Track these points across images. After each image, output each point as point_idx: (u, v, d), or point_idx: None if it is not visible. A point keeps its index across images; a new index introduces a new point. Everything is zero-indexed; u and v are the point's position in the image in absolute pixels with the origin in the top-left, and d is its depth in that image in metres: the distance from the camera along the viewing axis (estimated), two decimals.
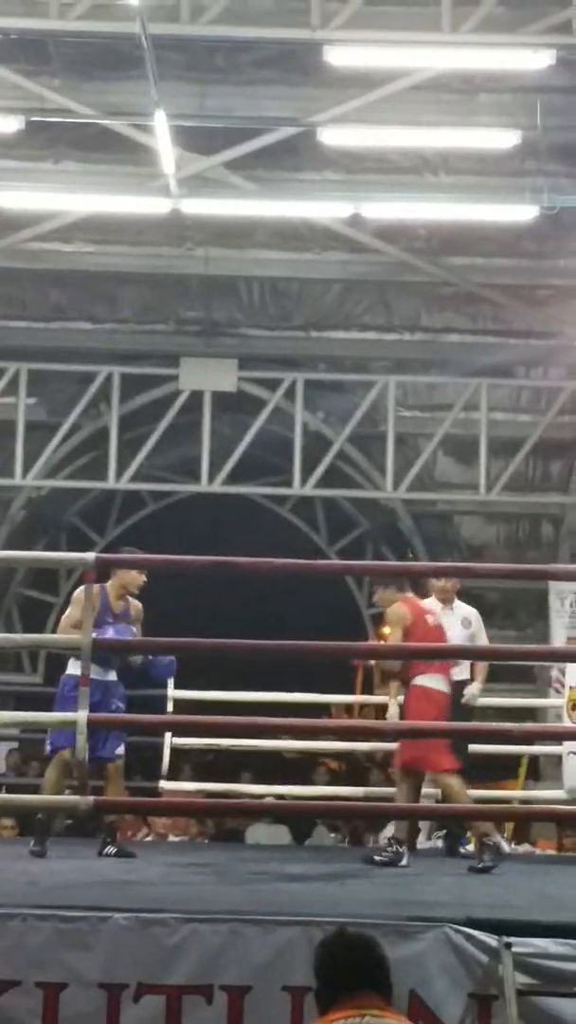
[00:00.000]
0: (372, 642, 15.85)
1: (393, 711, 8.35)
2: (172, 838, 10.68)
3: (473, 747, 8.74)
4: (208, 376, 14.38)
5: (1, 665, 15.35)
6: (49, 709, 7.82)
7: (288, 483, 14.63)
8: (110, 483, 14.51)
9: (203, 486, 14.43)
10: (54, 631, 10.58)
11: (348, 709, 15.32)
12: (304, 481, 14.34)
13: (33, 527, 15.53)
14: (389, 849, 7.80)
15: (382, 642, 8.06)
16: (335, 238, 13.47)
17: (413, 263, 13.47)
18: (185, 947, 5.14)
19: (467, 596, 9.29)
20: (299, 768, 13.81)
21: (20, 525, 15.22)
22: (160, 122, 10.95)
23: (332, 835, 11.58)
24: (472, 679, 8.81)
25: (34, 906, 5.28)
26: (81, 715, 6.32)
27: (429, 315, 14.37)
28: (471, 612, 8.94)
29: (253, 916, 5.26)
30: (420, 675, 7.87)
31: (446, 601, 8.79)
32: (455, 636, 8.60)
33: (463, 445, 14.54)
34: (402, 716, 8.05)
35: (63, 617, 7.76)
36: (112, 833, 7.99)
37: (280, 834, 11.24)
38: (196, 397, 14.37)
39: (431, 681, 7.88)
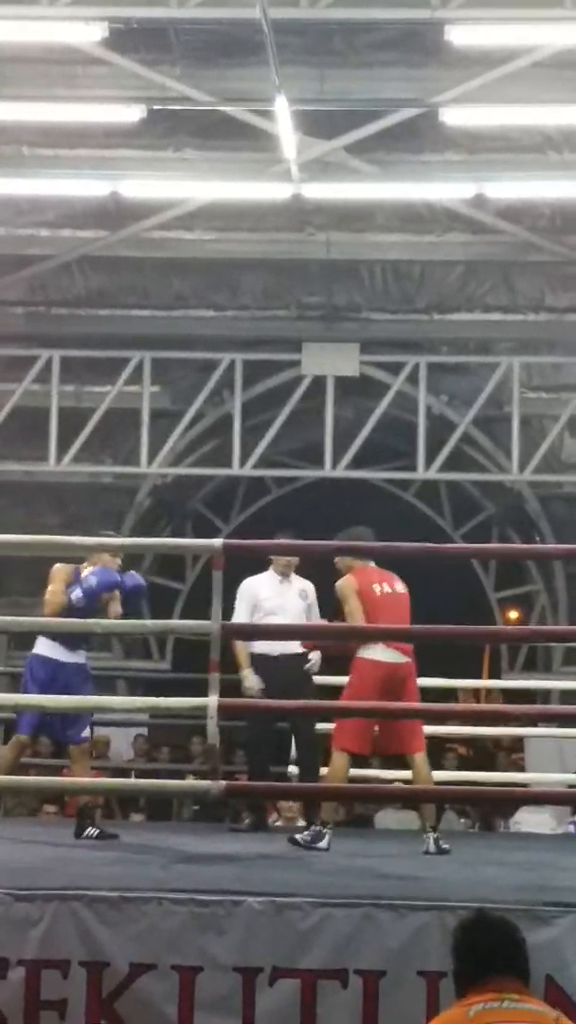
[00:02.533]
0: (500, 626, 15.77)
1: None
2: (301, 823, 10.68)
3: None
4: (330, 361, 14.37)
5: (130, 651, 15.49)
6: (178, 694, 7.84)
7: (412, 467, 14.57)
8: (234, 470, 14.56)
9: (326, 471, 14.43)
10: (182, 617, 10.72)
11: (475, 693, 15.25)
12: (428, 465, 14.27)
13: (158, 515, 15.66)
14: (313, 828, 7.45)
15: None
16: (457, 219, 13.37)
17: (537, 242, 13.32)
18: (319, 931, 5.14)
19: None
20: (427, 753, 13.75)
21: (146, 513, 15.35)
22: (281, 107, 10.94)
23: (462, 820, 11.52)
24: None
25: (170, 890, 5.32)
26: (212, 700, 6.34)
27: (554, 295, 14.19)
28: (307, 585, 8.69)
29: (387, 901, 5.24)
30: (361, 648, 7.56)
31: (285, 575, 8.63)
32: (294, 608, 8.51)
33: None
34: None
35: (47, 593, 7.67)
36: (91, 815, 7.80)
37: (409, 819, 11.17)
38: (318, 382, 14.36)
39: (371, 652, 7.52)
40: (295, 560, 8.64)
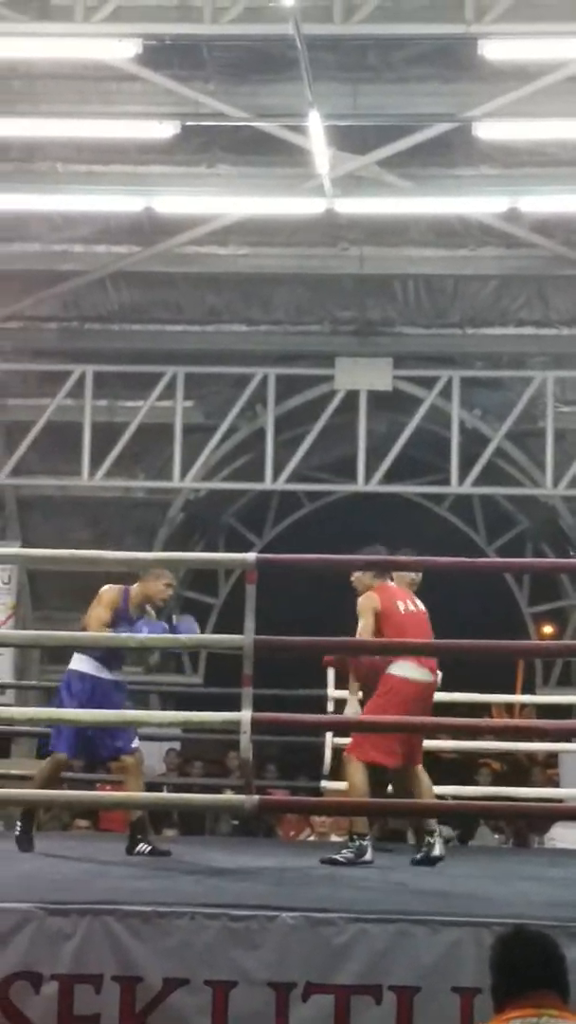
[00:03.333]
0: (534, 640, 15.71)
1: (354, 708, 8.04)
2: (334, 838, 10.66)
3: None
4: (363, 375, 14.37)
5: (163, 666, 15.50)
6: (211, 709, 7.82)
7: (445, 481, 14.55)
8: (267, 484, 14.57)
9: (359, 486, 14.41)
10: (215, 632, 10.72)
11: (509, 708, 15.20)
12: (462, 479, 14.24)
13: (191, 529, 15.68)
14: (352, 844, 7.43)
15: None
16: (491, 233, 13.34)
17: (571, 257, 13.27)
18: (353, 947, 5.12)
19: None
20: (460, 768, 13.71)
21: (179, 527, 15.38)
22: (314, 123, 10.94)
23: (496, 836, 11.47)
24: None
25: (203, 904, 5.30)
26: (245, 715, 6.34)
27: None
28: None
29: (421, 916, 5.22)
30: (389, 664, 7.58)
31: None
32: None
33: None
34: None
35: (92, 619, 7.63)
36: (143, 831, 7.69)
37: (444, 834, 11.14)
38: (351, 397, 14.36)
39: (403, 670, 7.56)
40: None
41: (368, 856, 7.32)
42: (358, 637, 7.59)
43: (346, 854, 7.34)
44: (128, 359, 14.42)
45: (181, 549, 14.64)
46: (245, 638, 6.47)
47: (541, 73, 11.14)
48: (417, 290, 14.15)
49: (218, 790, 10.51)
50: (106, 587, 7.75)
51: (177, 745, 12.75)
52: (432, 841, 7.55)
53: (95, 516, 15.22)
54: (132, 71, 11.45)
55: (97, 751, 7.77)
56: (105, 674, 7.61)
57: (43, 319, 14.35)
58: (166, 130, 11.65)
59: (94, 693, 7.54)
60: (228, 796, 7.73)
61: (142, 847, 7.52)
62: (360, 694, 7.95)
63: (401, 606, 7.68)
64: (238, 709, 6.43)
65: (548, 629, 17.26)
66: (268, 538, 16.49)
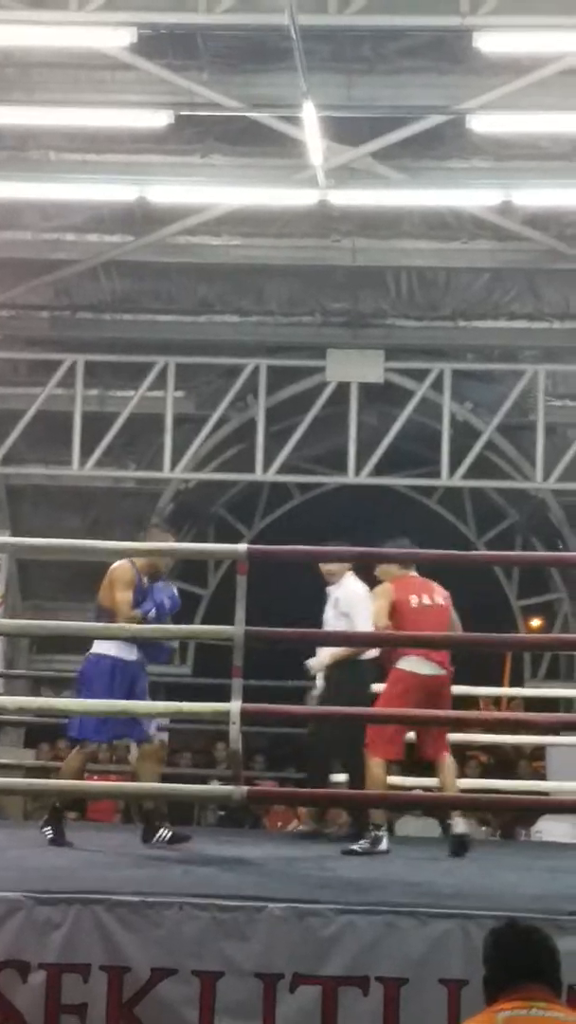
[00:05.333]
0: (522, 633, 15.74)
1: None
2: (330, 830, 10.66)
3: None
4: (355, 367, 14.36)
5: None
6: (201, 699, 7.79)
7: (436, 474, 14.56)
8: (257, 475, 14.57)
9: (350, 478, 14.42)
10: (203, 623, 10.72)
11: (496, 701, 15.23)
12: (452, 472, 14.25)
13: (181, 519, 15.66)
14: (368, 834, 7.48)
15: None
16: (483, 226, 13.33)
17: (563, 250, 13.27)
18: (341, 938, 5.13)
19: None
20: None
21: (169, 517, 15.35)
22: (308, 113, 10.93)
23: (483, 828, 11.49)
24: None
25: (191, 895, 5.31)
26: (235, 705, 6.34)
27: None
28: (345, 593, 8.53)
29: (409, 908, 5.23)
30: (398, 659, 7.63)
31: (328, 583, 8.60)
32: (327, 616, 8.54)
33: None
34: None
35: (122, 603, 7.49)
36: (160, 817, 7.63)
37: (430, 827, 11.15)
38: (343, 389, 14.37)
39: (410, 664, 7.59)
40: (330, 567, 8.56)
41: (384, 846, 7.39)
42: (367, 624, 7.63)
43: (363, 844, 7.39)
44: (119, 349, 14.41)
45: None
46: (236, 629, 6.48)
47: (535, 66, 11.13)
48: (409, 282, 14.15)
49: (205, 780, 10.52)
50: (116, 566, 7.63)
51: (165, 735, 12.73)
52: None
53: (85, 506, 15.21)
54: (126, 60, 11.43)
55: (121, 734, 7.66)
56: (129, 654, 7.49)
57: (34, 308, 14.33)
58: (160, 119, 11.63)
59: (123, 676, 7.44)
60: (216, 787, 7.72)
61: (163, 833, 7.43)
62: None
63: (415, 600, 7.72)
64: (227, 699, 6.43)
65: (536, 622, 17.30)
66: (258, 529, 16.49)
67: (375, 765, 7.52)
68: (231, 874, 6.51)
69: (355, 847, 7.40)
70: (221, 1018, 5.06)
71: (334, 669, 8.35)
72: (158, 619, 7.52)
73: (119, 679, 7.44)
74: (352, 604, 8.36)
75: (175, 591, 7.68)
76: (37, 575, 15.24)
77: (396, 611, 7.66)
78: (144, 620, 7.44)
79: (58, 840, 7.37)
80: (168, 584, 7.69)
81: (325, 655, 8.46)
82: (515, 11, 10.46)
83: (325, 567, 8.45)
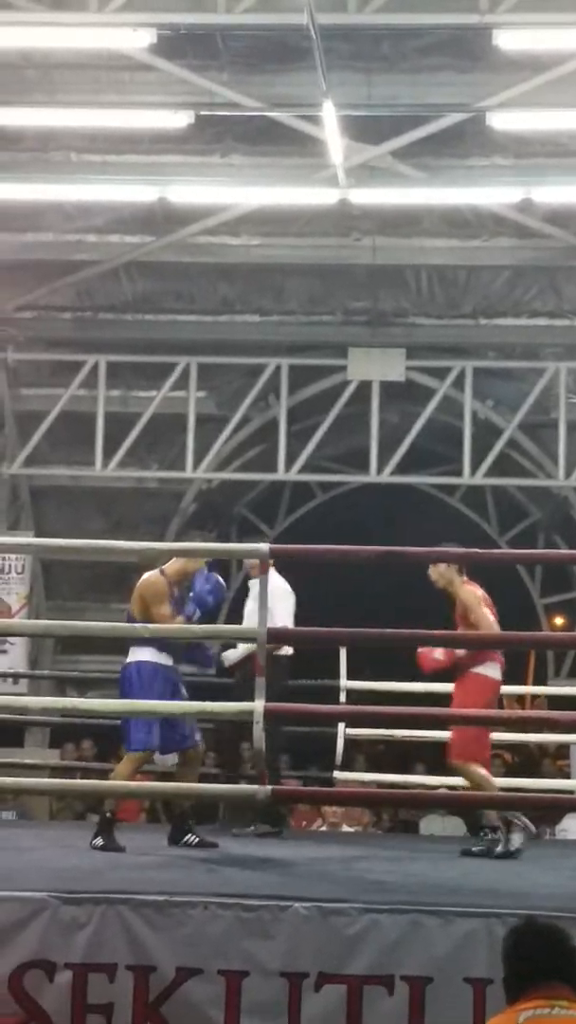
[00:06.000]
0: (545, 631, 15.71)
1: None
2: (346, 828, 10.69)
3: None
4: (376, 366, 14.36)
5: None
6: (220, 699, 7.75)
7: (457, 472, 14.55)
8: (279, 475, 14.58)
9: (372, 476, 14.41)
10: (226, 622, 10.74)
11: (520, 700, 15.20)
12: (474, 470, 14.23)
13: (204, 519, 15.67)
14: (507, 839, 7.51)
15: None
16: (504, 224, 13.31)
17: None
18: (365, 937, 5.14)
19: None
20: None
21: (191, 517, 15.39)
22: (328, 112, 10.93)
23: None
24: None
25: (216, 894, 5.32)
26: (258, 704, 6.34)
27: None
28: (255, 583, 8.39)
29: (433, 907, 5.23)
30: (479, 664, 7.67)
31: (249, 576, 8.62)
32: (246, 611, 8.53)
33: None
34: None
35: (163, 619, 7.42)
36: (189, 821, 7.64)
37: (455, 825, 11.17)
38: (364, 387, 14.36)
39: (489, 670, 7.70)
40: (253, 562, 8.45)
41: (516, 844, 7.41)
42: (484, 630, 7.62)
43: (499, 850, 7.44)
44: (141, 349, 14.43)
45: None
46: (259, 628, 6.48)
47: (555, 63, 11.10)
48: (430, 280, 14.13)
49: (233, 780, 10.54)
50: (145, 580, 7.58)
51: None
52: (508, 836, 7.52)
53: (108, 506, 15.24)
54: (146, 61, 11.43)
55: (168, 743, 7.60)
56: (171, 662, 7.48)
57: (57, 309, 14.36)
58: (180, 120, 11.63)
59: (164, 683, 7.42)
60: (241, 786, 7.73)
61: (190, 838, 7.44)
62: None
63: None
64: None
65: (560, 620, 17.26)
66: (281, 528, 16.51)
67: (476, 769, 7.52)
68: (255, 873, 6.53)
69: (498, 851, 7.40)
70: (247, 1017, 5.07)
71: (248, 663, 8.29)
72: (204, 616, 7.46)
73: (163, 685, 7.42)
74: (274, 597, 8.31)
75: (217, 579, 7.55)
76: (60, 576, 15.28)
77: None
78: (190, 621, 7.39)
79: (109, 846, 7.28)
80: (207, 575, 7.55)
81: (243, 649, 8.50)
82: (534, 8, 10.42)
83: (249, 561, 8.41)
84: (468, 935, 5.10)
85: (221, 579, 7.58)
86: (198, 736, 7.62)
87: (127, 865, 6.64)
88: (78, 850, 7.29)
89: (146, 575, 7.64)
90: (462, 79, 11.73)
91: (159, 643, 7.44)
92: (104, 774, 9.36)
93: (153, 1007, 5.10)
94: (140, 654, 7.48)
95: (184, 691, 7.59)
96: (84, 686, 13.20)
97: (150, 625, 7.34)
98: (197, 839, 7.47)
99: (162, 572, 7.61)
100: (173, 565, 7.65)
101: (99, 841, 7.30)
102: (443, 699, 8.74)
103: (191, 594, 7.51)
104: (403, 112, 12.02)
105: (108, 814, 7.45)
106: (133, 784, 7.57)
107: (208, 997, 5.09)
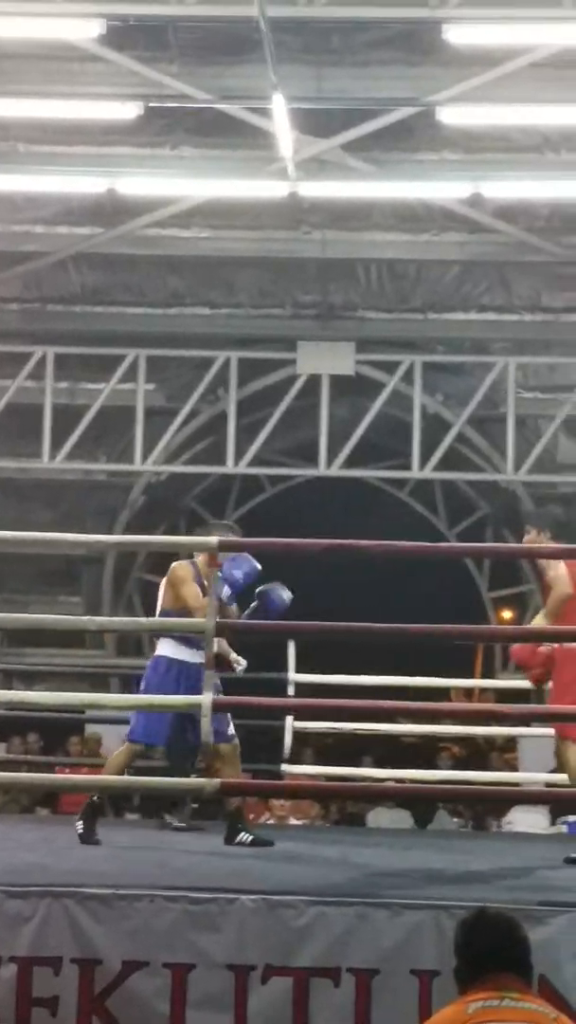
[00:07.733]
0: (494, 625, 15.76)
1: None
2: (293, 821, 10.69)
3: None
4: (325, 360, 14.36)
5: (122, 649, 15.48)
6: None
7: (406, 466, 14.58)
8: (228, 468, 14.57)
9: (321, 470, 14.43)
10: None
11: (468, 693, 15.25)
12: (423, 464, 14.27)
13: (153, 512, 15.66)
14: None
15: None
16: (453, 219, 13.35)
17: (533, 243, 13.31)
18: (312, 930, 5.13)
19: None
20: (420, 752, 13.77)
21: (140, 510, 15.35)
22: (278, 105, 10.92)
23: (455, 820, 11.53)
24: None
25: (163, 887, 5.30)
26: (206, 698, 6.32)
27: (550, 295, 14.19)
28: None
29: (380, 900, 5.24)
30: None
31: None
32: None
33: None
34: None
35: (190, 597, 7.36)
36: (242, 819, 7.56)
37: (402, 818, 11.20)
38: (313, 381, 14.36)
39: None
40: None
41: None
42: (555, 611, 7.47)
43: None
44: (90, 341, 14.37)
45: (142, 532, 14.59)
46: (207, 621, 6.46)
47: (505, 58, 11.13)
48: (380, 274, 14.16)
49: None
50: (175, 566, 7.54)
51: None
52: None
53: (56, 499, 15.16)
54: (96, 51, 11.38)
55: (189, 739, 7.39)
56: (192, 657, 7.30)
57: (4, 300, 14.27)
58: (130, 111, 11.60)
59: (180, 679, 7.33)
60: (190, 779, 7.70)
61: (243, 836, 7.31)
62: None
63: None
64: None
65: (508, 614, 17.33)
66: (230, 521, 16.44)
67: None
68: (203, 866, 6.51)
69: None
70: (193, 1010, 5.06)
71: None
72: (236, 594, 7.38)
73: (176, 680, 7.34)
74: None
75: (247, 558, 7.42)
76: (7, 568, 15.18)
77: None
78: (223, 603, 7.20)
79: (87, 838, 7.20)
80: (234, 557, 7.39)
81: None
82: (484, 3, 10.46)
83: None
84: (415, 927, 5.11)
85: (252, 559, 7.49)
86: (231, 730, 7.42)
87: (73, 858, 6.61)
88: (23, 844, 7.25)
89: (177, 562, 7.63)
90: (412, 73, 11.75)
91: (179, 636, 7.39)
92: (50, 768, 9.34)
93: (99, 1000, 5.07)
94: (160, 647, 7.50)
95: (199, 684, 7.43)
96: (31, 679, 13.14)
97: (96, 619, 7.31)
98: (251, 837, 7.34)
99: (192, 562, 7.57)
100: (202, 556, 7.52)
101: (80, 826, 7.24)
102: (389, 692, 8.78)
103: (220, 575, 7.36)
104: (353, 106, 12.03)
105: (95, 798, 7.37)
106: (78, 777, 7.54)
107: (154, 990, 5.07)
